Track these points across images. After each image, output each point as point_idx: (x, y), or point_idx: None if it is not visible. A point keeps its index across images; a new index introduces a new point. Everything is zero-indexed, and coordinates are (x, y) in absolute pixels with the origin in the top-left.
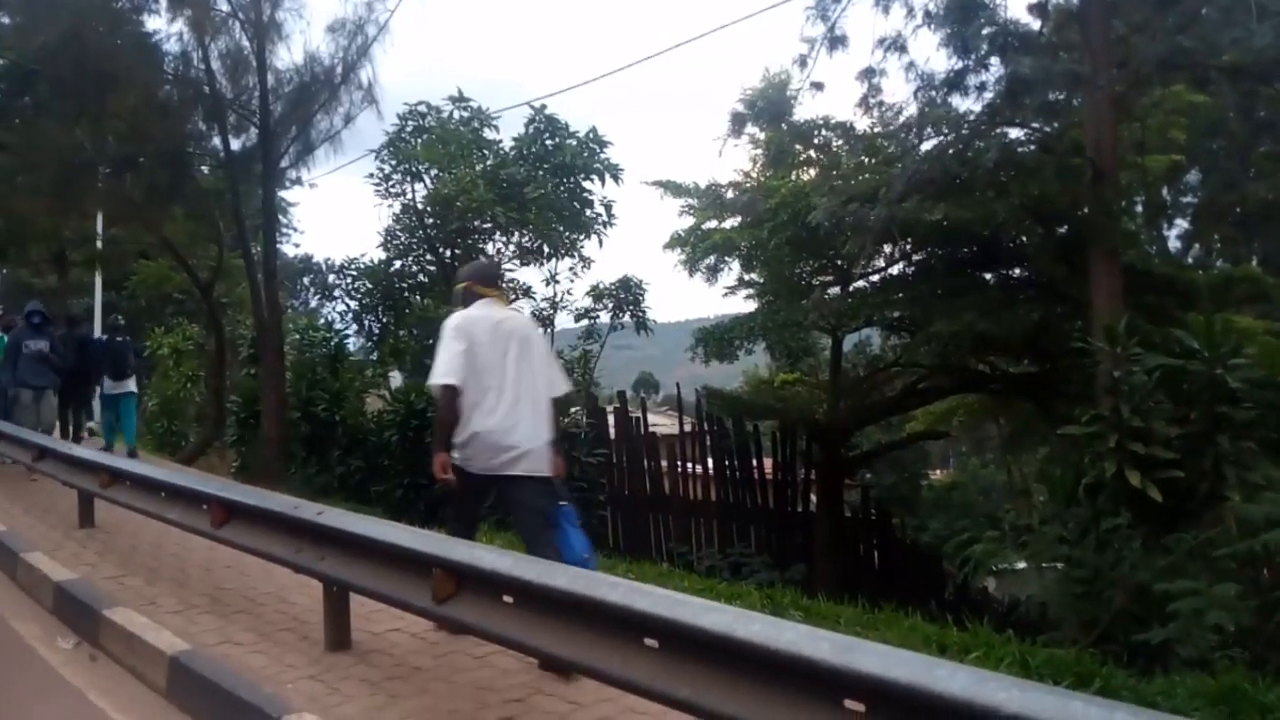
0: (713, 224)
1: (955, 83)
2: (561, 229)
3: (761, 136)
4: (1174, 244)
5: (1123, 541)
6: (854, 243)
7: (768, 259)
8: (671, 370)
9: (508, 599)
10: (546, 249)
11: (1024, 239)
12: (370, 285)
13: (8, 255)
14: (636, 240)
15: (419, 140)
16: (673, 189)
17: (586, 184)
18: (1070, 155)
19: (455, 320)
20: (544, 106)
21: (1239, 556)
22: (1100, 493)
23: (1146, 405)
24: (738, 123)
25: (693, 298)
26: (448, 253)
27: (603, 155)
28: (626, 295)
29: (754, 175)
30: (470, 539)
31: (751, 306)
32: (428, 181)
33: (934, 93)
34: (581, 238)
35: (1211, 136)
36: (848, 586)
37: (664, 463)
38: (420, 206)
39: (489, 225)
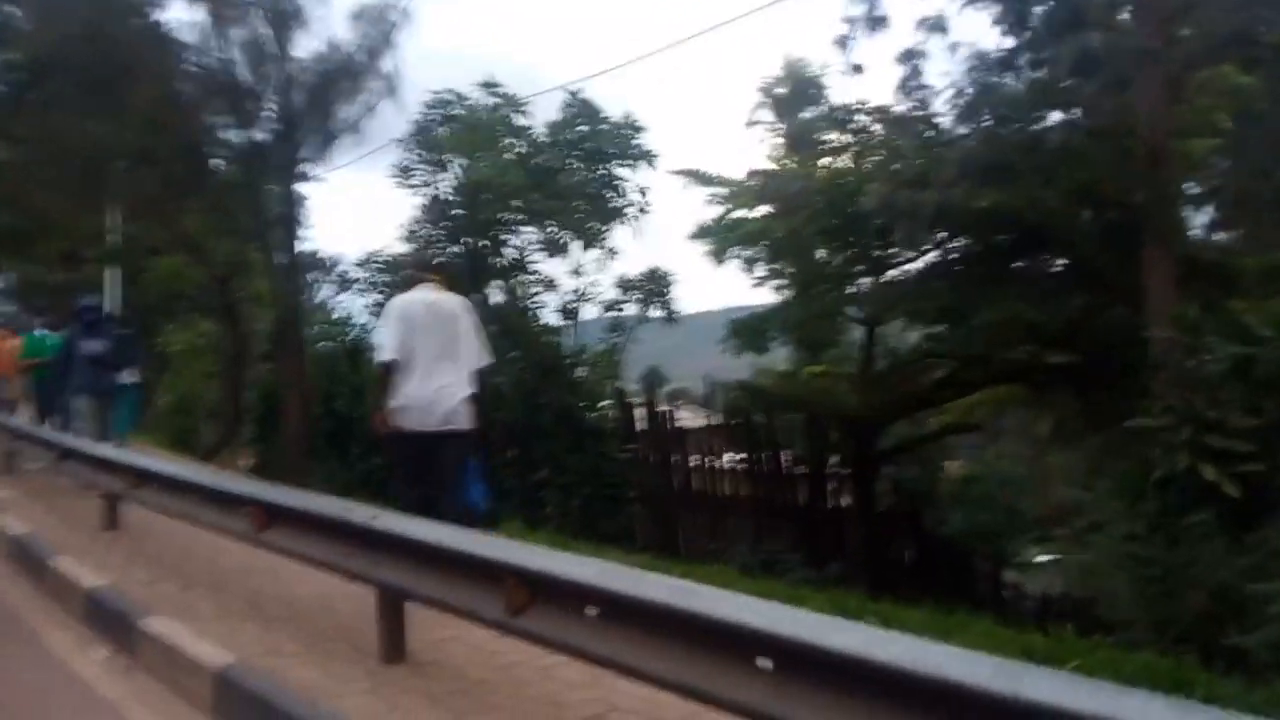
0: (742, 213)
1: (1008, 62)
2: (592, 218)
3: (783, 124)
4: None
5: (1197, 539)
6: (903, 229)
7: (801, 248)
8: (679, 363)
9: (591, 611)
10: (576, 239)
11: (1069, 226)
12: (392, 278)
13: (24, 252)
14: (653, 230)
15: (445, 129)
16: (700, 178)
17: (620, 171)
18: (1123, 138)
19: (396, 302)
20: (580, 91)
21: None
22: (1170, 487)
23: (1221, 396)
24: (779, 106)
25: (700, 290)
26: (475, 243)
27: (637, 141)
28: (654, 287)
29: (788, 163)
30: (416, 496)
31: (767, 298)
32: (456, 170)
33: (986, 73)
34: (607, 229)
35: (1247, 120)
36: (882, 583)
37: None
38: (447, 196)
39: (519, 215)
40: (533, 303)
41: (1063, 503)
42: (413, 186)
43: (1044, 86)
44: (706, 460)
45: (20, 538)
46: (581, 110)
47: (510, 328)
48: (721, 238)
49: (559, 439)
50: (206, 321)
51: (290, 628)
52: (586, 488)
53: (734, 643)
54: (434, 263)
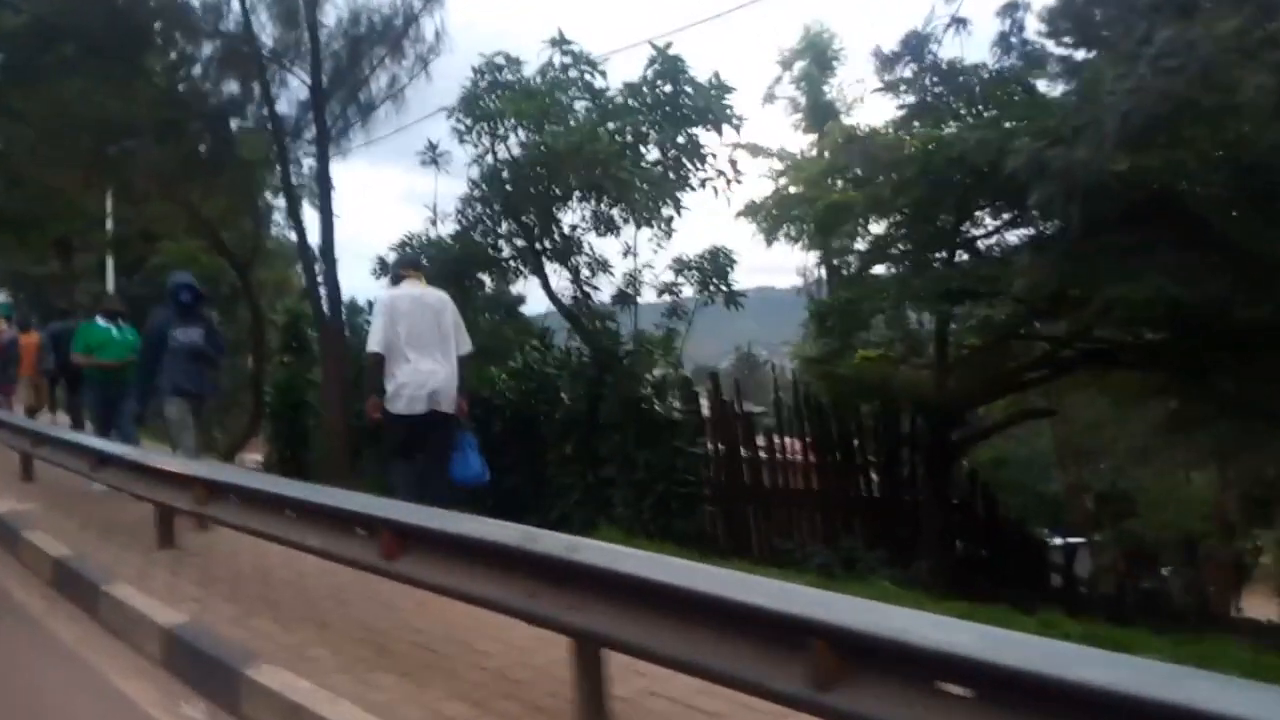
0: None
1: (1189, 6)
2: (670, 187)
3: (803, 100)
4: None
5: None
6: (1044, 192)
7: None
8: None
9: (955, 689)
10: (644, 214)
11: (1207, 192)
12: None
13: (26, 238)
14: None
15: (495, 97)
16: (756, 150)
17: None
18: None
19: (385, 297)
20: (669, 45)
21: None
22: None
23: None
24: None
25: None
26: (530, 221)
27: (724, 102)
28: (714, 268)
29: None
30: (411, 477)
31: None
32: (515, 140)
33: (1139, 19)
34: (679, 200)
35: None
36: (963, 580)
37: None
38: (500, 170)
39: (579, 189)
40: (588, 286)
41: (1078, 484)
42: (436, 163)
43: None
44: (776, 452)
45: (64, 560)
46: (665, 68)
47: (569, 313)
48: (780, 214)
49: (625, 433)
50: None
51: (438, 678)
52: (660, 485)
53: None
54: (417, 261)
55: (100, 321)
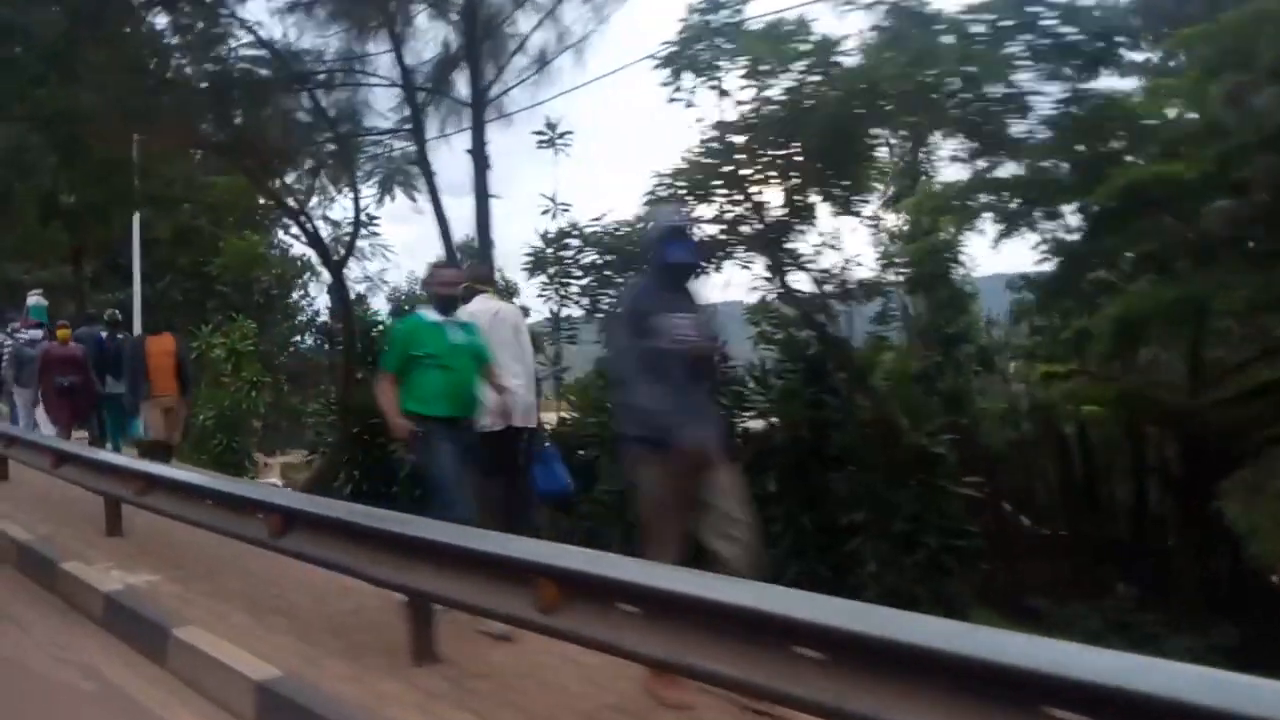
0: None
1: None
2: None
3: None
4: None
5: None
6: None
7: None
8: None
9: None
10: (848, 198)
11: None
12: (604, 253)
13: (91, 229)
14: None
15: (708, 47)
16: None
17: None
18: None
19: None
20: None
21: None
22: None
23: None
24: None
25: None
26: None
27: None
28: (935, 264)
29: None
30: (496, 493)
31: None
32: (789, 81)
33: None
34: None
35: None
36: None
37: None
38: (730, 127)
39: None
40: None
41: None
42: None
43: None
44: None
45: (273, 689)
46: None
47: (809, 316)
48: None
49: (874, 468)
50: (249, 321)
51: None
52: (931, 538)
53: None
54: (490, 275)
55: (428, 316)
